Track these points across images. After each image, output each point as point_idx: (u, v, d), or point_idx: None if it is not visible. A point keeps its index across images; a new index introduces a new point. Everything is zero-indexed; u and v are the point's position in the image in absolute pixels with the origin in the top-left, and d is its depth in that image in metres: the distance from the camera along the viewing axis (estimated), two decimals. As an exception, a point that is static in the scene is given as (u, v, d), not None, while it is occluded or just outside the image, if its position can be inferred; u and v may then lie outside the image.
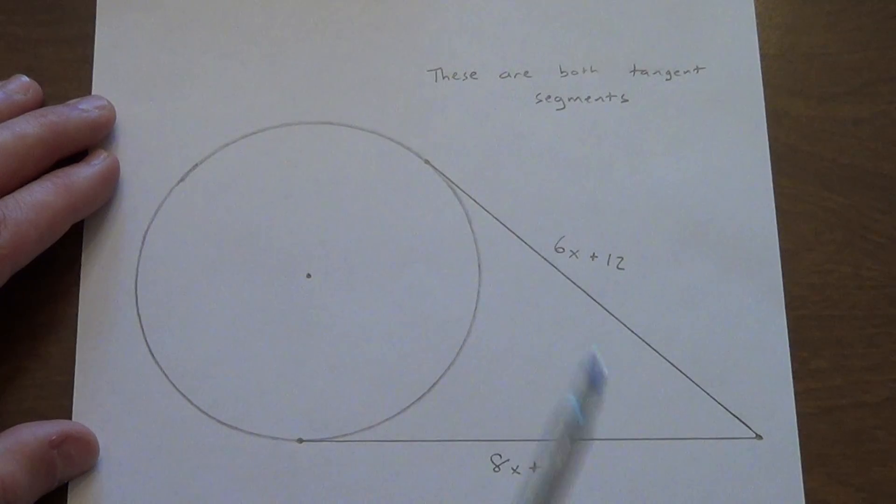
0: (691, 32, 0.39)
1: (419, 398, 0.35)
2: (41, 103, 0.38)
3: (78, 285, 0.37)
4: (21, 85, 0.37)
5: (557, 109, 0.38)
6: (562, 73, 0.39)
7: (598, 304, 0.36)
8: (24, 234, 0.33)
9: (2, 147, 0.34)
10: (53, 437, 0.33)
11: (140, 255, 0.37)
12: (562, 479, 0.29)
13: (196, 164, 0.38)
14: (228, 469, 0.35)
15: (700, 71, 0.39)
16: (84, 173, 0.36)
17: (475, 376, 0.35)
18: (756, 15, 0.39)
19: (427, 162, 0.38)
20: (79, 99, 0.38)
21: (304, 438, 0.35)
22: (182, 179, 0.38)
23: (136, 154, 0.38)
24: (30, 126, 0.35)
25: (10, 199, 0.34)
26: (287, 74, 0.39)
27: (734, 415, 0.35)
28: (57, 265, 0.37)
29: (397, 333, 0.36)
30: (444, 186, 0.38)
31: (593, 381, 0.29)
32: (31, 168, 0.35)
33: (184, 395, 0.36)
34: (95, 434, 0.35)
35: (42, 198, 0.34)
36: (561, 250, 0.37)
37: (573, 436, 0.29)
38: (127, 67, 0.39)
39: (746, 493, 0.34)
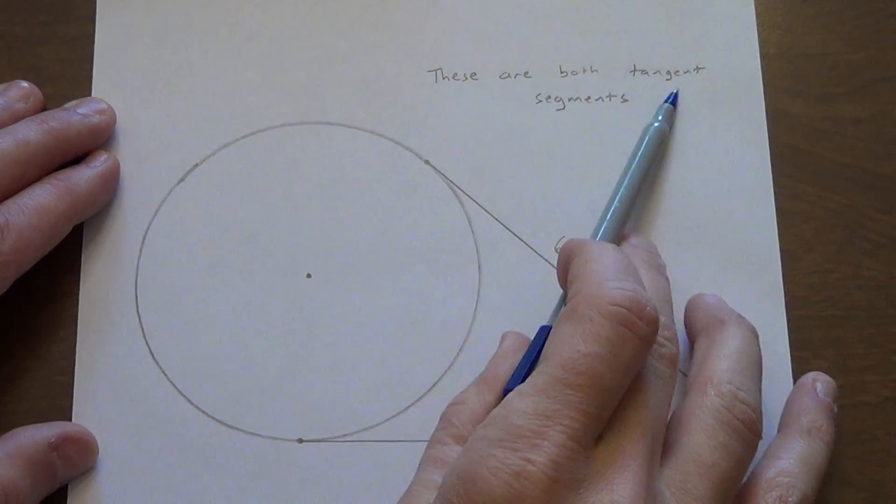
0: (691, 32, 0.39)
1: (419, 398, 0.35)
2: (41, 109, 0.38)
3: (78, 286, 0.37)
4: (21, 92, 0.37)
5: (557, 109, 0.38)
6: (562, 73, 0.39)
7: (598, 304, 0.36)
8: (27, 239, 0.33)
9: (5, 153, 0.34)
10: (52, 440, 0.33)
11: (140, 255, 0.37)
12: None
13: (196, 164, 0.38)
14: (228, 469, 0.35)
15: (700, 71, 0.39)
16: (85, 175, 0.36)
17: (475, 376, 0.35)
18: (756, 15, 0.39)
19: (427, 162, 0.38)
20: (78, 101, 0.38)
21: (304, 438, 0.35)
22: (182, 179, 0.38)
23: (136, 154, 0.38)
24: (32, 132, 0.35)
25: (13, 204, 0.34)
26: (287, 74, 0.39)
27: (734, 415, 0.35)
28: (57, 265, 0.37)
29: (397, 333, 0.36)
30: (444, 186, 0.38)
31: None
32: (33, 174, 0.35)
33: (184, 396, 0.36)
34: (95, 434, 0.35)
35: (44, 202, 0.34)
36: (561, 250, 0.37)
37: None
38: (127, 67, 0.39)
39: (746, 493, 0.34)
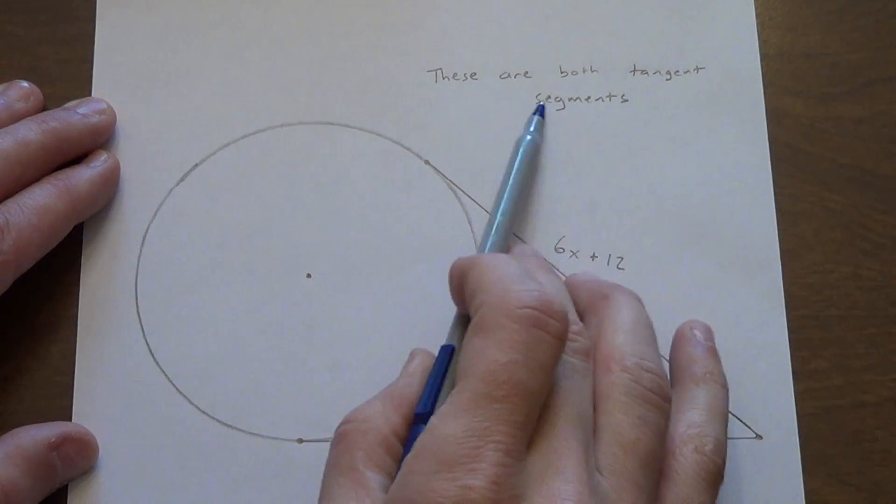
0: (691, 32, 0.39)
1: (419, 398, 0.35)
2: (41, 109, 0.38)
3: (78, 285, 0.37)
4: (21, 92, 0.37)
5: (557, 109, 0.38)
6: (562, 73, 0.39)
7: (598, 304, 0.36)
8: (27, 239, 0.33)
9: (4, 153, 0.34)
10: (52, 440, 0.33)
11: (140, 255, 0.37)
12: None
13: (196, 164, 0.38)
14: (228, 469, 0.35)
15: (700, 71, 0.39)
16: (85, 175, 0.36)
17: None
18: (756, 15, 0.39)
19: (427, 162, 0.38)
20: (78, 101, 0.38)
21: (304, 438, 0.35)
22: (182, 179, 0.38)
23: (136, 154, 0.38)
24: (32, 132, 0.35)
25: (13, 204, 0.34)
26: (287, 74, 0.39)
27: (734, 415, 0.35)
28: (57, 265, 0.37)
29: (397, 333, 0.36)
30: (444, 186, 0.38)
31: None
32: (33, 174, 0.35)
33: (184, 395, 0.36)
34: (95, 434, 0.35)
35: (44, 201, 0.34)
36: (561, 251, 0.37)
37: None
38: (127, 67, 0.39)
39: (746, 493, 0.34)
